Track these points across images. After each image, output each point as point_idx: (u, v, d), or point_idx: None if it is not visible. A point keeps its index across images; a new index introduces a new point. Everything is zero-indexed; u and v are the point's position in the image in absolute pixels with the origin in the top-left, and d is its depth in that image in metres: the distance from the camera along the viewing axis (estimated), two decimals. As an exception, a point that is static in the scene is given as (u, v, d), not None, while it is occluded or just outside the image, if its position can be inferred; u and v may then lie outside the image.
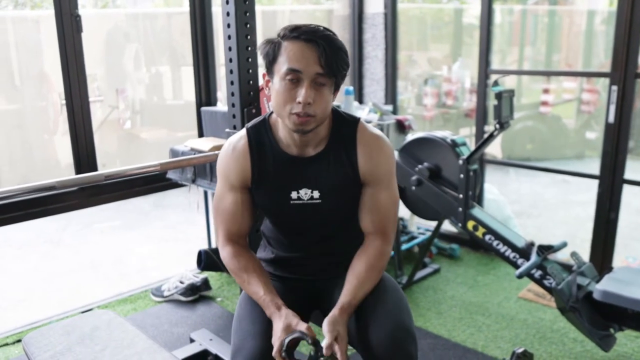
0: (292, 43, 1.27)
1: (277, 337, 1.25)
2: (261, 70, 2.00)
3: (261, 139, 1.43)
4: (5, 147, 3.51)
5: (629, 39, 2.63)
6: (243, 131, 1.46)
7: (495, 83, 2.43)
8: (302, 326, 1.25)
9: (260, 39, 1.91)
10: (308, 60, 1.26)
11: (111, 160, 4.10)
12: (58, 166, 3.79)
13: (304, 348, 1.96)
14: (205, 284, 2.91)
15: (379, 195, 1.42)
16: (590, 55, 6.07)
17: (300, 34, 1.27)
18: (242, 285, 1.42)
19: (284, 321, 1.27)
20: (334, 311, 1.30)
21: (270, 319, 1.32)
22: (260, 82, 1.97)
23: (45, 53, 3.46)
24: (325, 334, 1.25)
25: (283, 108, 1.30)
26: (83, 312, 2.13)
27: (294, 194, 1.41)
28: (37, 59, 3.51)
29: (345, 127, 1.42)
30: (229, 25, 1.82)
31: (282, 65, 1.28)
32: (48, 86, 3.60)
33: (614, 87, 2.69)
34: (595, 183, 2.87)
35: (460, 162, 2.56)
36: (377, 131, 1.45)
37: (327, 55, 1.26)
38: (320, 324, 1.62)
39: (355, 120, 1.44)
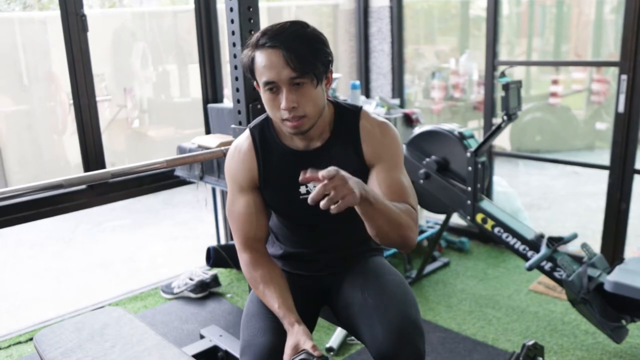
0: (261, 53, 1.26)
1: (287, 355, 1.25)
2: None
3: (265, 137, 1.42)
4: (15, 147, 3.54)
5: (638, 27, 2.59)
6: (247, 132, 1.46)
7: (502, 74, 2.41)
8: (308, 344, 1.24)
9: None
10: (277, 68, 1.24)
11: (120, 159, 4.13)
12: (67, 166, 3.82)
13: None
14: (215, 280, 2.92)
15: (386, 175, 1.37)
16: (599, 45, 6.00)
17: (266, 41, 1.25)
18: (259, 296, 1.40)
19: (293, 339, 1.26)
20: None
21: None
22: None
23: (53, 53, 3.49)
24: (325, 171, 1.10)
25: (274, 116, 1.31)
26: (94, 309, 2.14)
27: (302, 189, 1.41)
28: (45, 60, 3.54)
29: (347, 116, 1.42)
30: (232, 21, 1.82)
31: (260, 77, 1.28)
32: (56, 86, 3.63)
33: (624, 77, 2.66)
34: (605, 174, 2.85)
35: (468, 154, 2.55)
36: (381, 118, 1.44)
37: (294, 56, 1.23)
38: (329, 319, 1.63)
39: (358, 109, 1.43)
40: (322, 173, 1.09)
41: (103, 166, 2.69)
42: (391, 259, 3.20)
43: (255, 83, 1.35)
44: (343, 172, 1.12)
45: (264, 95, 1.30)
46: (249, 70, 1.31)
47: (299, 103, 1.26)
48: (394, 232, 1.26)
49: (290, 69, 1.23)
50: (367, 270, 1.48)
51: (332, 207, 1.08)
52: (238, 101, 1.90)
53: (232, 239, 3.02)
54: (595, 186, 4.54)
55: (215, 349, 2.25)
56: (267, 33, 1.26)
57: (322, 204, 1.08)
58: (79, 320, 1.73)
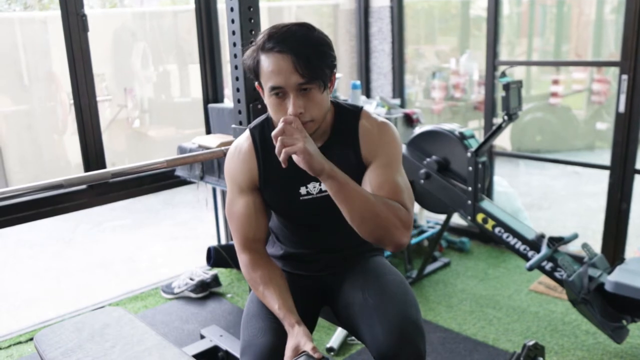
0: (268, 57, 1.24)
1: (287, 357, 1.24)
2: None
3: (265, 137, 1.42)
4: (15, 147, 3.54)
5: (638, 27, 2.59)
6: (247, 132, 1.45)
7: (503, 74, 2.41)
8: (309, 346, 1.23)
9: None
10: (286, 73, 1.22)
11: (120, 159, 4.13)
12: (68, 166, 3.82)
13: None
14: (215, 280, 2.92)
15: (380, 172, 1.35)
16: (600, 45, 6.00)
17: (273, 45, 1.23)
18: (259, 297, 1.40)
19: (293, 340, 1.26)
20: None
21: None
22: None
23: (54, 53, 3.48)
24: None
25: (279, 120, 1.28)
26: (94, 309, 2.14)
27: (302, 190, 1.40)
28: (45, 60, 3.53)
29: (348, 117, 1.41)
30: (233, 21, 1.82)
31: (265, 82, 1.26)
32: (56, 86, 3.63)
33: (624, 76, 2.66)
34: (606, 174, 2.84)
35: (469, 154, 2.55)
36: (382, 118, 1.43)
37: (304, 62, 1.22)
38: (329, 320, 1.63)
39: (358, 110, 1.43)
40: (289, 118, 1.22)
41: (104, 166, 2.69)
42: (392, 259, 3.20)
43: (256, 84, 1.34)
44: (310, 140, 1.22)
45: (269, 100, 1.29)
46: (253, 72, 1.30)
47: (306, 108, 1.26)
48: (372, 223, 1.26)
49: (298, 75, 1.22)
50: (368, 270, 1.47)
51: (281, 153, 1.19)
52: (238, 101, 1.89)
53: (232, 239, 3.03)
54: (596, 186, 4.54)
55: (215, 349, 2.25)
56: (274, 36, 1.24)
57: (276, 147, 1.20)
58: (79, 320, 1.73)
